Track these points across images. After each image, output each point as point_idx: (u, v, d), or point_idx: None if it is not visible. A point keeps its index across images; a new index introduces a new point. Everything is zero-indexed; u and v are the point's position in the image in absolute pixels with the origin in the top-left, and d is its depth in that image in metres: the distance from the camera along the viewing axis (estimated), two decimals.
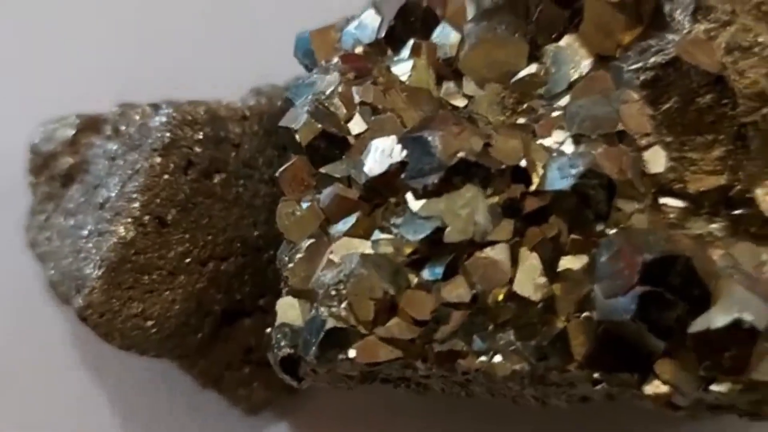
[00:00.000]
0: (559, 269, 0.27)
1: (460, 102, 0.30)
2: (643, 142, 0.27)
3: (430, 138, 0.27)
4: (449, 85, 0.30)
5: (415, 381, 0.29)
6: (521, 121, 0.29)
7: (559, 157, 0.27)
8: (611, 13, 0.28)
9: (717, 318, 0.25)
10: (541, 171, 0.27)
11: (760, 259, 0.27)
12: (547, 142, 0.28)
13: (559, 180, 0.26)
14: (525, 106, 0.29)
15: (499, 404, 0.35)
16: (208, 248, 0.31)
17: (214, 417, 0.36)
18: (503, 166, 0.27)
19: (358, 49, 0.31)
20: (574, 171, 0.26)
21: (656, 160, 0.27)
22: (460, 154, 0.26)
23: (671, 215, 0.28)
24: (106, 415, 0.37)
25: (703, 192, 0.28)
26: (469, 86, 0.30)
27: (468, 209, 0.26)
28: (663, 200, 0.29)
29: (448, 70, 0.30)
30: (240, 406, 0.34)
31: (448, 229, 0.26)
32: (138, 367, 0.36)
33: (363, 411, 0.37)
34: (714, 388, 0.26)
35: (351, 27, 0.32)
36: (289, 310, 0.28)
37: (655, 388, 0.26)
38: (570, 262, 0.27)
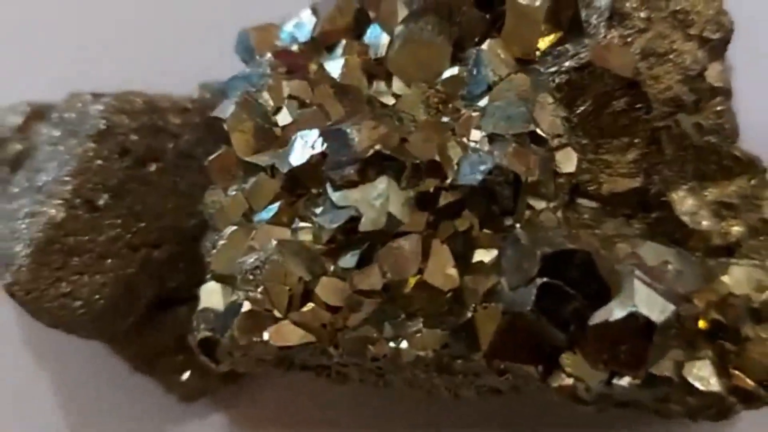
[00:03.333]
0: (472, 261, 0.28)
1: (389, 100, 0.31)
2: (555, 143, 0.28)
3: (348, 131, 0.28)
4: (380, 84, 0.31)
5: (335, 370, 0.29)
6: (445, 119, 0.30)
7: (472, 154, 0.28)
8: (531, 18, 0.29)
9: (614, 311, 0.25)
10: (456, 167, 0.28)
11: (663, 258, 0.27)
12: (466, 140, 0.29)
13: (469, 176, 0.27)
14: (449, 105, 0.30)
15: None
16: (141, 234, 0.32)
17: (151, 402, 0.37)
18: (417, 161, 0.27)
19: (294, 47, 0.32)
20: (482, 167, 0.27)
21: (567, 161, 0.28)
22: (376, 147, 0.27)
23: (585, 216, 0.29)
24: (47, 393, 0.37)
25: (617, 194, 0.29)
26: (398, 85, 0.31)
27: (382, 200, 0.27)
28: (579, 200, 0.30)
29: (379, 69, 0.31)
30: (175, 393, 0.35)
31: (362, 219, 0.27)
32: (80, 346, 0.37)
33: (301, 402, 0.38)
34: (616, 382, 0.26)
35: (289, 25, 0.33)
36: (211, 294, 0.29)
37: (559, 380, 0.27)
38: (481, 255, 0.28)
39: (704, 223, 0.30)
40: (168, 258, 0.32)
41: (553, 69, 0.29)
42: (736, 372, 0.28)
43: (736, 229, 0.30)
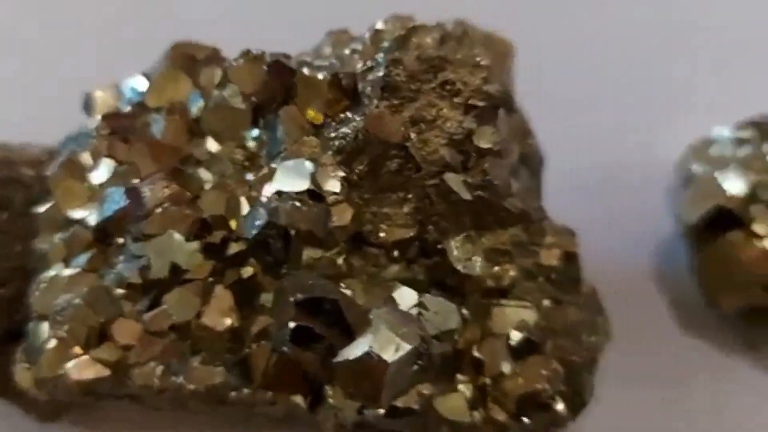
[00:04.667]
0: (258, 304, 0.32)
1: (205, 156, 0.35)
2: (332, 199, 0.32)
3: (142, 189, 0.31)
4: (199, 142, 0.35)
5: (141, 400, 0.33)
6: (249, 176, 0.34)
7: (256, 209, 0.32)
8: (317, 88, 0.33)
9: (353, 350, 0.29)
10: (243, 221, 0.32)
11: (417, 301, 0.31)
12: (259, 195, 0.33)
13: (249, 229, 0.31)
14: (254, 163, 0.34)
15: None
16: None
17: (9, 425, 0.40)
18: (206, 216, 0.31)
19: (128, 108, 0.36)
20: (257, 222, 0.31)
21: (343, 215, 0.32)
22: (164, 205, 0.31)
23: (370, 261, 0.33)
24: None
25: (395, 242, 0.33)
26: (211, 144, 0.35)
27: (170, 251, 0.31)
28: (366, 248, 0.33)
29: (198, 128, 0.35)
30: (31, 414, 0.39)
31: (153, 268, 0.31)
32: None
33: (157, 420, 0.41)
34: (366, 412, 0.30)
35: (126, 86, 0.37)
36: (33, 331, 0.33)
37: (324, 411, 0.31)
38: (264, 299, 0.32)
39: (478, 267, 0.33)
40: (15, 295, 0.36)
41: (334, 134, 0.32)
42: (493, 405, 0.32)
43: (510, 274, 0.34)
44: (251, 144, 0.34)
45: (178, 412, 0.34)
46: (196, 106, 0.35)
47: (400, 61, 0.32)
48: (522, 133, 0.38)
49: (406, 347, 0.29)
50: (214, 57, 0.36)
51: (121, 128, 0.35)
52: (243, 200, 0.32)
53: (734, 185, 0.41)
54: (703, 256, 0.42)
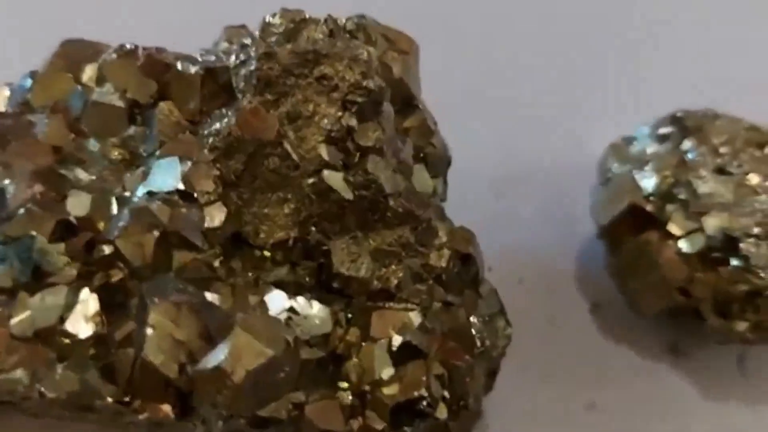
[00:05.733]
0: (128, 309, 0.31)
1: (86, 156, 0.33)
2: (205, 199, 0.31)
3: (7, 190, 0.30)
4: (80, 141, 0.34)
5: (13, 406, 0.32)
6: (128, 175, 0.33)
7: (122, 210, 0.30)
8: (190, 83, 0.32)
9: (211, 359, 0.28)
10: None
11: (287, 306, 0.30)
12: (131, 195, 0.31)
13: (113, 231, 0.30)
14: (132, 162, 0.33)
15: None
16: None
17: None
18: (71, 217, 0.30)
19: (11, 109, 0.35)
20: (120, 224, 0.30)
21: (216, 216, 0.31)
22: (27, 206, 0.30)
23: (252, 265, 0.32)
24: None
25: (276, 243, 0.32)
26: (92, 142, 0.34)
27: (33, 254, 0.30)
28: (247, 249, 0.32)
29: (81, 128, 0.34)
30: None
31: (17, 271, 0.30)
32: None
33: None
34: (232, 421, 0.29)
35: (17, 86, 0.36)
36: None
37: (193, 420, 0.30)
38: (134, 304, 0.31)
39: (363, 269, 0.32)
40: None
41: (208, 131, 0.31)
42: (371, 413, 0.30)
43: (398, 275, 0.32)
44: (130, 142, 0.33)
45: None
46: (79, 105, 0.34)
47: (272, 54, 0.31)
48: (424, 132, 0.36)
49: (268, 353, 0.28)
50: (99, 54, 0.34)
51: (3, 128, 0.34)
52: (113, 201, 0.31)
53: (650, 183, 0.39)
54: (619, 257, 0.40)
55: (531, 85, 0.49)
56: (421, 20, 0.47)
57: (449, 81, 0.47)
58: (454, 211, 0.40)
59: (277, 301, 0.30)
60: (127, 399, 0.29)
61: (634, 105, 0.44)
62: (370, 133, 0.32)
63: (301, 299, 0.30)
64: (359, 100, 0.31)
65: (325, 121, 0.31)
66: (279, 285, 0.31)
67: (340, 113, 0.31)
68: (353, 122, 0.31)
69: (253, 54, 0.31)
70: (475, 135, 0.45)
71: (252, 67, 0.31)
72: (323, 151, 0.31)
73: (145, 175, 0.32)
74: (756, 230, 0.37)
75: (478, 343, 0.34)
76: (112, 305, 0.30)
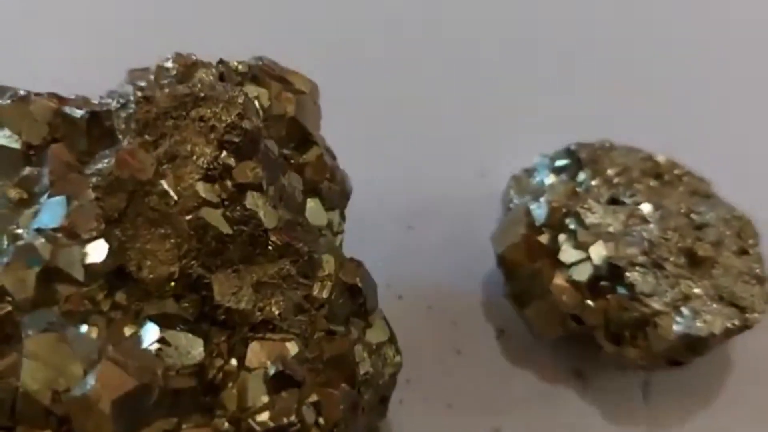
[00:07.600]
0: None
1: None
2: (86, 236, 0.32)
3: None
4: None
5: None
6: (25, 213, 0.34)
7: (8, 247, 0.32)
8: (77, 126, 0.34)
9: (79, 388, 0.29)
10: None
11: (159, 336, 0.31)
12: (24, 233, 0.33)
13: None
14: (27, 200, 0.35)
15: None
16: None
17: None
18: None
19: None
20: (4, 260, 0.31)
21: (96, 252, 0.32)
22: None
23: (137, 298, 0.33)
24: None
25: (158, 278, 0.33)
26: None
27: None
28: (131, 285, 0.34)
29: None
30: None
31: None
32: None
33: None
34: None
35: None
36: None
37: None
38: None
39: (244, 302, 0.34)
40: None
41: (92, 170, 0.33)
42: None
43: (279, 306, 0.34)
44: (26, 182, 0.34)
45: None
46: None
47: (150, 98, 0.32)
48: (320, 167, 0.38)
49: (134, 383, 0.29)
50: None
51: None
52: (4, 238, 0.33)
53: (542, 214, 0.41)
54: (515, 285, 0.42)
55: (440, 117, 0.51)
56: (332, 56, 0.49)
57: (357, 117, 0.49)
58: (368, 243, 0.42)
59: (150, 334, 0.31)
60: (9, 425, 0.31)
61: (542, 137, 0.46)
62: (248, 171, 0.33)
63: (174, 332, 0.32)
64: (236, 139, 0.33)
65: (202, 160, 0.33)
66: (163, 317, 0.32)
67: (217, 152, 0.33)
68: (231, 161, 0.33)
69: (132, 98, 0.33)
70: (386, 169, 0.47)
71: (131, 111, 0.33)
72: (200, 189, 0.33)
73: (36, 214, 0.33)
74: (641, 259, 0.39)
75: (362, 371, 0.35)
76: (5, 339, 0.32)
